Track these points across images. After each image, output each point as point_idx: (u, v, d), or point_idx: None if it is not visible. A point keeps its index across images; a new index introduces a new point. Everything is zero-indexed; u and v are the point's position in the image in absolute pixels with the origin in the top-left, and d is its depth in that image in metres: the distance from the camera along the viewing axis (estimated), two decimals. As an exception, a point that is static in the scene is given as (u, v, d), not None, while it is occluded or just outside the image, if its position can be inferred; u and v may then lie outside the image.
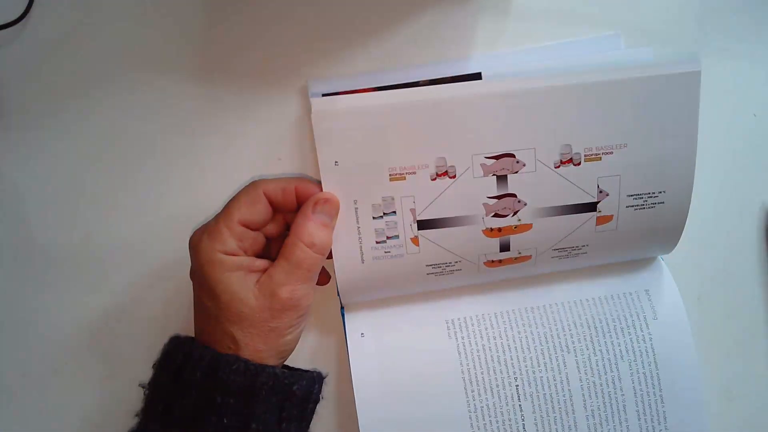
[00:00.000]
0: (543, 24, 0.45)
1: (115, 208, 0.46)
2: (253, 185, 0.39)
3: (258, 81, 0.45)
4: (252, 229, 0.39)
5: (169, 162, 0.46)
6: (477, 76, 0.43)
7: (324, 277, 0.43)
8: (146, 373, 0.38)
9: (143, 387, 0.38)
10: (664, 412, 0.44)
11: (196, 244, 0.38)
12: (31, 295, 0.46)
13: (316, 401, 0.40)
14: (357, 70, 0.45)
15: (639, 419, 0.44)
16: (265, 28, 0.45)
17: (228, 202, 0.39)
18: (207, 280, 0.37)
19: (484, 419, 0.43)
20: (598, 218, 0.42)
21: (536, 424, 0.44)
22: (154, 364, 0.38)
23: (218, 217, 0.38)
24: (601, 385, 0.44)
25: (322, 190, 0.40)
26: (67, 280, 0.46)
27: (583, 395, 0.44)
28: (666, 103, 0.40)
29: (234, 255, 0.37)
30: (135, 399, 0.38)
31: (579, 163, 0.41)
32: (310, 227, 0.38)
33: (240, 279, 0.37)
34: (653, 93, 0.40)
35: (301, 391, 0.38)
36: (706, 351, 0.47)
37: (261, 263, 0.38)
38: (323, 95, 0.43)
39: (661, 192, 0.42)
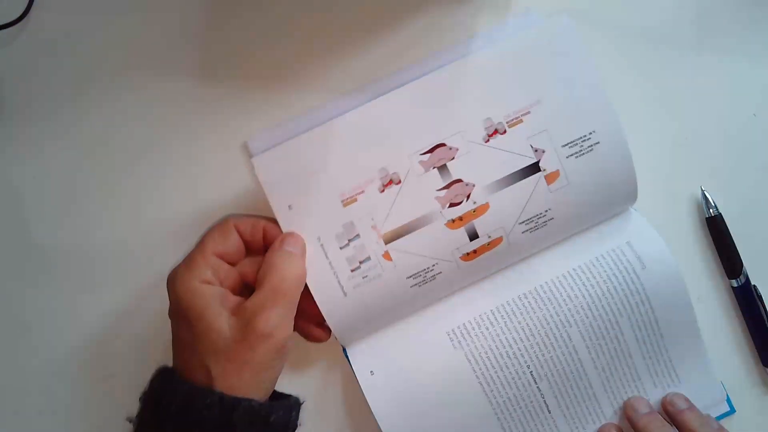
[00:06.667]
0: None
1: (114, 208, 0.46)
2: (225, 220, 0.41)
3: (258, 81, 0.46)
4: (226, 261, 0.40)
5: (169, 162, 0.46)
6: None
7: (322, 333, 0.43)
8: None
9: (130, 421, 0.38)
10: (665, 345, 0.45)
11: (173, 277, 0.39)
12: (29, 294, 0.46)
13: (294, 429, 0.40)
14: (356, 69, 0.46)
15: (644, 359, 0.45)
16: (265, 28, 0.46)
17: (202, 237, 0.40)
18: (183, 309, 0.37)
19: (508, 411, 0.44)
20: (546, 177, 0.43)
21: (556, 398, 0.44)
22: (140, 397, 0.38)
23: (193, 250, 0.40)
24: (606, 345, 0.45)
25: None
26: (65, 280, 0.46)
27: (592, 358, 0.45)
28: (553, 55, 0.43)
29: (209, 283, 0.38)
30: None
31: (505, 132, 0.42)
32: (281, 255, 0.40)
33: (215, 308, 0.37)
34: (538, 50, 0.43)
35: (278, 421, 0.37)
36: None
37: (236, 299, 0.39)
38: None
39: (591, 132, 0.43)
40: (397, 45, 0.46)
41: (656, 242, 0.46)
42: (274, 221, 0.42)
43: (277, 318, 0.37)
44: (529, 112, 0.43)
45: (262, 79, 0.46)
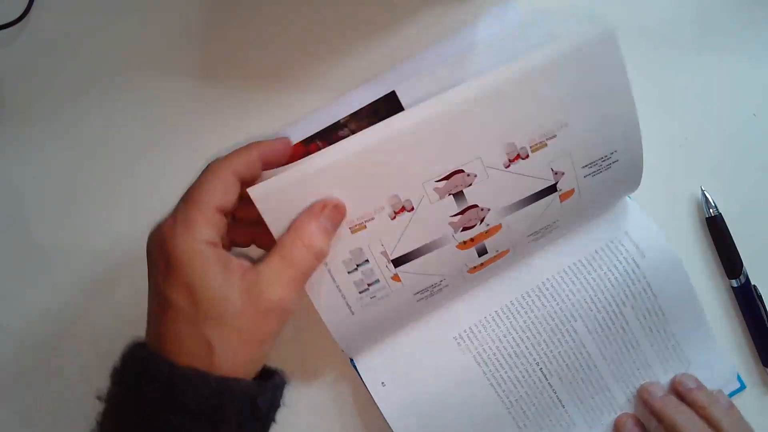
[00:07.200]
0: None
1: (114, 208, 0.46)
2: (218, 167, 0.36)
3: (258, 81, 0.46)
4: (225, 215, 0.36)
5: (169, 162, 0.46)
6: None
7: None
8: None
9: (100, 399, 0.34)
10: (671, 330, 0.46)
11: (166, 236, 0.34)
12: (29, 293, 0.45)
13: (278, 407, 0.37)
14: (356, 69, 0.45)
15: (652, 346, 0.46)
16: (266, 28, 0.46)
17: (194, 189, 0.35)
18: (184, 275, 0.33)
19: (522, 409, 0.44)
20: (560, 196, 0.42)
21: (569, 392, 0.45)
22: (111, 373, 0.35)
23: (188, 206, 0.34)
24: (612, 335, 0.45)
25: (286, 143, 0.39)
26: (65, 280, 0.45)
27: (600, 350, 0.45)
28: (590, 72, 0.39)
29: (215, 246, 0.34)
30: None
31: (527, 156, 0.40)
32: (312, 228, 0.36)
33: (223, 274, 0.33)
34: (574, 67, 0.39)
35: (265, 404, 0.35)
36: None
37: (240, 262, 0.35)
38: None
39: (613, 152, 0.41)
40: (397, 45, 0.46)
41: (653, 231, 0.46)
42: (265, 145, 0.38)
43: (293, 291, 0.35)
44: (555, 136, 0.40)
45: (262, 79, 0.46)
